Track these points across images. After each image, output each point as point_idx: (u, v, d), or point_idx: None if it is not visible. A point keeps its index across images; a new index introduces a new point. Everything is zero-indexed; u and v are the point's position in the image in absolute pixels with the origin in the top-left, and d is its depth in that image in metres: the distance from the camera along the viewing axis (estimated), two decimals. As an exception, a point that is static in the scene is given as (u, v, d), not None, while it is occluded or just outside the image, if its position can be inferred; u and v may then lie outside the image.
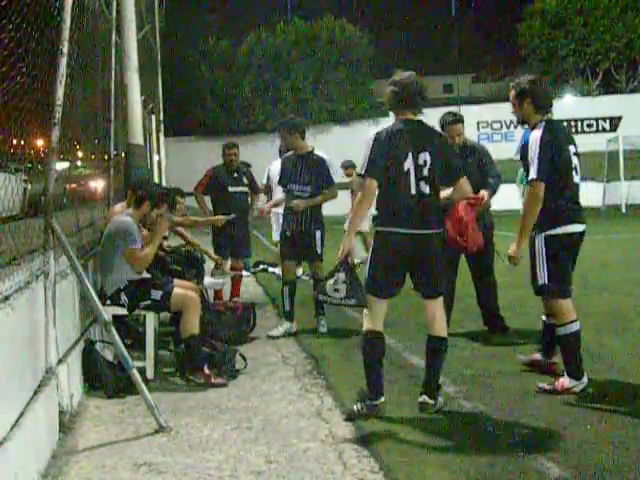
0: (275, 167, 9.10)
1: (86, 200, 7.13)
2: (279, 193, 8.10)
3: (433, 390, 4.44)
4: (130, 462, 3.75)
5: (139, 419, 4.45)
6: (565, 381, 4.68)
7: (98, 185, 7.91)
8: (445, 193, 4.60)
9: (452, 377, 5.06)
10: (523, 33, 34.05)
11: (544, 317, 5.19)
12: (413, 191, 4.30)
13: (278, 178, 7.15)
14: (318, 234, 6.84)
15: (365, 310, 4.42)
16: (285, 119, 7.24)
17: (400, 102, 4.41)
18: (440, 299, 4.46)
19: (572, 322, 4.83)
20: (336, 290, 4.32)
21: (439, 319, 4.44)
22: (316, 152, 6.93)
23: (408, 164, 4.29)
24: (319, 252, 6.88)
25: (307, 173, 6.80)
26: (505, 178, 7.18)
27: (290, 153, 6.99)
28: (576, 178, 4.99)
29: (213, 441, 4.04)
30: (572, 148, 4.96)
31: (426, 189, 4.32)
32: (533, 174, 4.66)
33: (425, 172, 4.31)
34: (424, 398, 4.42)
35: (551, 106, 5.01)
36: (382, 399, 4.36)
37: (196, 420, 4.41)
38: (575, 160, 4.95)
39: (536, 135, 4.73)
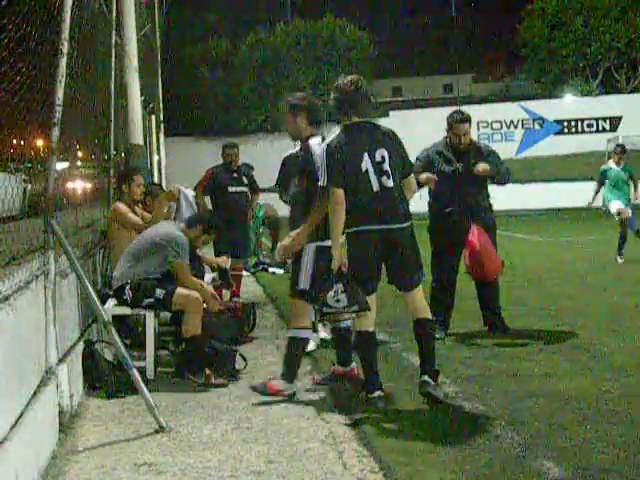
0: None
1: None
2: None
3: (431, 372, 4.53)
4: (130, 462, 3.75)
5: (139, 419, 4.45)
6: (277, 383, 4.74)
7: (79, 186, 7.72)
8: None
9: (452, 377, 5.06)
10: (523, 33, 34.08)
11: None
12: (375, 188, 4.43)
13: (279, 182, 6.45)
14: None
15: None
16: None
17: (343, 107, 4.52)
18: (418, 289, 4.59)
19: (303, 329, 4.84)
20: (337, 300, 4.42)
21: (419, 302, 4.59)
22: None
23: (365, 164, 4.42)
24: None
25: None
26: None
27: (294, 150, 5.77)
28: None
29: (213, 441, 4.04)
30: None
31: (389, 183, 4.45)
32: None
33: (385, 167, 4.45)
34: (425, 377, 4.52)
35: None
36: (378, 393, 4.49)
37: (196, 420, 4.40)
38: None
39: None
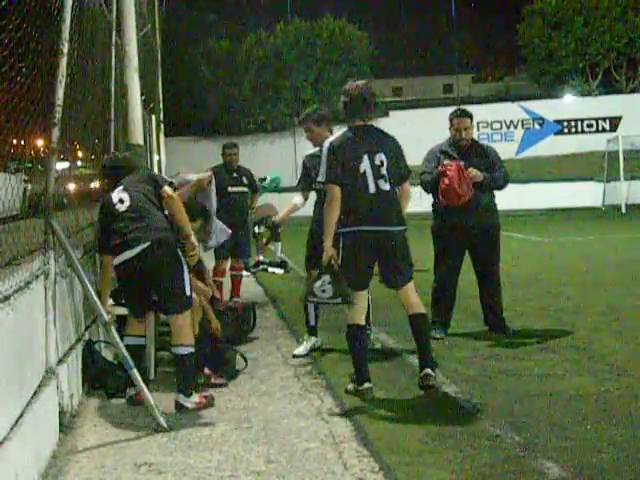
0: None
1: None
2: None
3: (431, 364, 4.73)
4: (130, 462, 3.75)
5: (139, 419, 4.45)
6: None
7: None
8: None
9: (452, 377, 5.06)
10: (523, 33, 34.06)
11: None
12: (372, 190, 4.65)
13: (300, 181, 6.27)
14: None
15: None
16: (309, 110, 6.03)
17: (349, 111, 4.77)
18: (410, 285, 4.81)
19: None
20: (323, 291, 4.66)
21: (413, 297, 4.82)
22: None
23: (364, 166, 4.64)
24: None
25: None
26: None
27: (313, 151, 5.98)
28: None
29: (213, 441, 4.04)
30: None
31: (385, 186, 4.68)
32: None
33: (383, 171, 4.68)
34: (426, 370, 4.69)
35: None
36: (368, 384, 4.66)
37: (196, 420, 4.41)
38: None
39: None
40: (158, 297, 4.74)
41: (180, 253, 4.67)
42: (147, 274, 4.62)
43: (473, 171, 6.15)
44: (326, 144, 4.77)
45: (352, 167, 4.62)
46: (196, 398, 4.64)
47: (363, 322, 4.79)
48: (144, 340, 5.01)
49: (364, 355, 4.76)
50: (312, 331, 6.10)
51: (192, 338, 4.72)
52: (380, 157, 4.67)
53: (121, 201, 4.74)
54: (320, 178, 4.72)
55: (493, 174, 6.31)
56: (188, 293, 4.68)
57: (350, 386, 4.79)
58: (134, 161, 5.53)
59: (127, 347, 4.60)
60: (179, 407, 4.59)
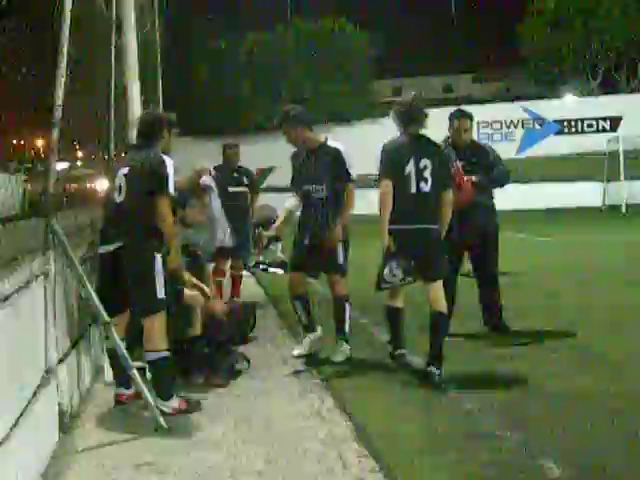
0: None
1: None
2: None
3: (438, 361, 5.02)
4: (130, 462, 3.75)
5: (139, 419, 4.45)
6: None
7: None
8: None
9: (452, 377, 5.06)
10: (523, 33, 34.07)
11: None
12: (413, 190, 5.16)
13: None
14: (340, 244, 5.72)
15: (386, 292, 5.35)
16: (284, 112, 5.91)
17: (401, 119, 5.31)
18: (439, 282, 5.19)
19: None
20: (394, 275, 5.12)
21: (439, 298, 5.17)
22: (330, 143, 5.86)
23: (409, 168, 5.16)
24: (340, 263, 5.77)
25: (319, 169, 5.74)
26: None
27: (300, 149, 5.98)
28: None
29: (213, 441, 4.04)
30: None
31: (425, 188, 5.18)
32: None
33: (426, 174, 5.18)
34: (430, 368, 5.00)
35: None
36: (401, 351, 5.46)
37: (196, 420, 4.41)
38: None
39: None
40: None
41: (157, 257, 4.53)
42: (118, 272, 4.59)
43: (471, 178, 6.16)
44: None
45: (398, 167, 5.17)
46: (175, 403, 4.53)
47: (401, 304, 5.43)
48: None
49: (401, 329, 5.52)
50: (308, 327, 5.99)
51: (163, 342, 4.54)
52: (424, 162, 5.18)
53: (119, 189, 4.64)
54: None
55: (493, 174, 6.31)
56: (160, 296, 4.52)
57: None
58: (160, 129, 4.95)
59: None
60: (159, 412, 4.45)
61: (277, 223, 6.10)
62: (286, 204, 6.07)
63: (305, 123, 5.86)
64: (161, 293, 4.52)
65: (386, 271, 5.10)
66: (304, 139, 5.86)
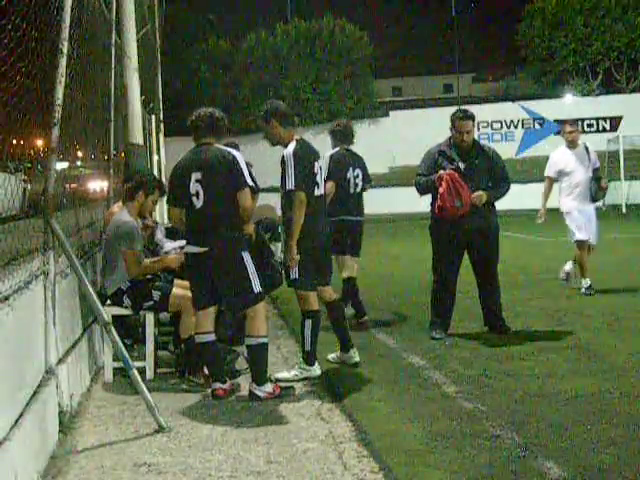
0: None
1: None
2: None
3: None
4: (130, 462, 3.75)
5: (139, 419, 4.45)
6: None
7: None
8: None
9: (452, 377, 5.06)
10: (523, 33, 34.07)
11: None
12: (351, 191, 6.90)
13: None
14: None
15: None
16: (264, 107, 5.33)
17: (340, 138, 7.02)
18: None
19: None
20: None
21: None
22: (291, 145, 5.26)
23: (349, 174, 6.88)
24: (292, 277, 5.37)
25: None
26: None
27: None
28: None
29: (213, 441, 4.04)
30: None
31: (357, 189, 6.97)
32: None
33: (358, 180, 6.95)
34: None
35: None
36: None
37: (196, 420, 4.41)
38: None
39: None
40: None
41: (246, 255, 4.80)
42: (206, 271, 4.81)
43: (477, 197, 6.13)
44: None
45: (342, 174, 6.77)
46: (269, 388, 4.78)
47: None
48: (213, 336, 4.97)
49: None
50: (310, 359, 5.32)
51: (263, 329, 4.86)
52: (357, 171, 6.93)
53: (197, 195, 4.77)
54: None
55: (497, 190, 6.29)
56: (256, 290, 4.79)
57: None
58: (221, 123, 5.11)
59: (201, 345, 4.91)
60: (252, 396, 4.76)
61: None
62: None
63: (278, 118, 5.20)
64: (257, 287, 4.81)
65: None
66: (278, 136, 5.30)
